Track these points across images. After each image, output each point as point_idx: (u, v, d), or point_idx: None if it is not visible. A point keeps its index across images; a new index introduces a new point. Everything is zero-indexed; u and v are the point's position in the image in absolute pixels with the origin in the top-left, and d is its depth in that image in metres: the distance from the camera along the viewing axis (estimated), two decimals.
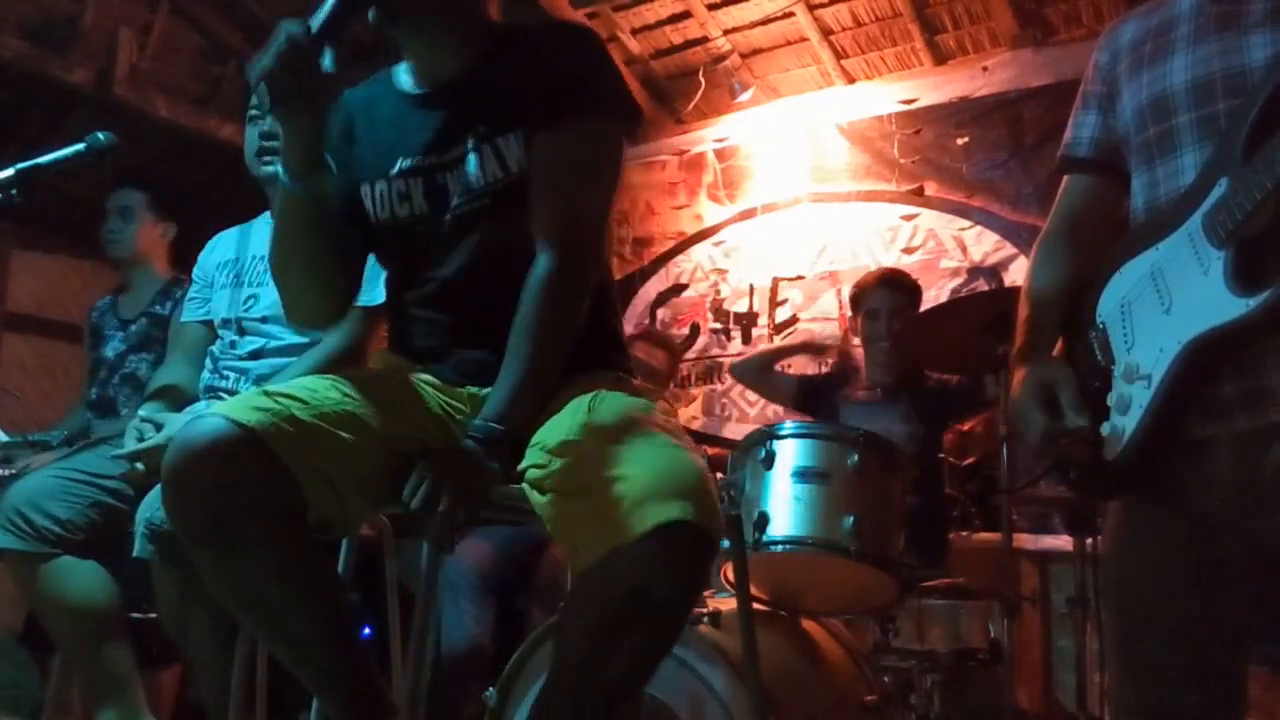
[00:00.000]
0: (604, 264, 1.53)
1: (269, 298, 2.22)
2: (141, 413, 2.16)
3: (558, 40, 1.52)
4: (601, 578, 1.20)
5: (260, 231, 2.36)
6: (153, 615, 2.27)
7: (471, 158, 1.47)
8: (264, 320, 2.21)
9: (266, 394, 1.31)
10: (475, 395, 1.47)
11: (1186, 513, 1.25)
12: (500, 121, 1.46)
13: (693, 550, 1.19)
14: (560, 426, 1.33)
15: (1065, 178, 1.48)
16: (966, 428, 3.25)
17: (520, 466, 1.34)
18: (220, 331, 2.29)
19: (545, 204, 1.43)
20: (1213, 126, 1.23)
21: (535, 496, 1.31)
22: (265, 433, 1.24)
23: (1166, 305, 1.24)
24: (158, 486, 1.96)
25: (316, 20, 1.29)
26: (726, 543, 1.71)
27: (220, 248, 2.41)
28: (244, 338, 2.23)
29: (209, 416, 1.25)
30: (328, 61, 1.30)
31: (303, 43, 1.27)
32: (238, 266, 2.32)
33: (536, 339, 1.38)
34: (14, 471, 2.53)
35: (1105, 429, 1.30)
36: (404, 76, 1.56)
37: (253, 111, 2.28)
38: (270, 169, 2.24)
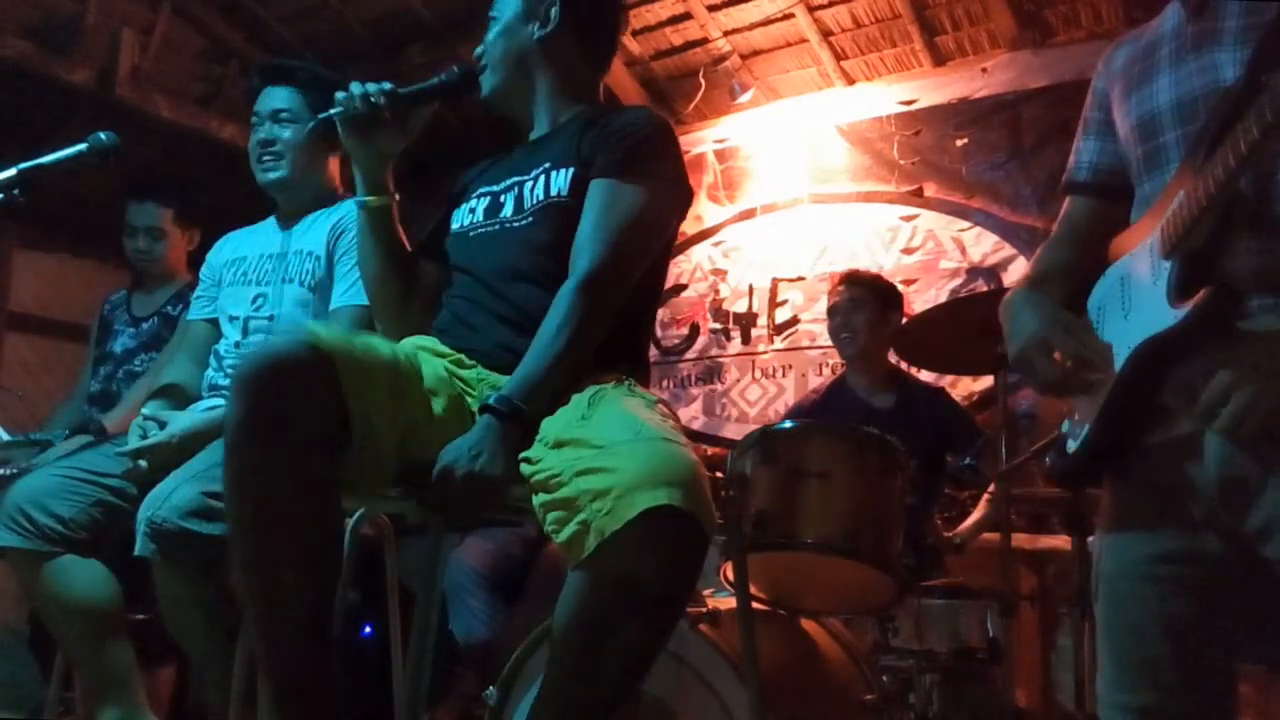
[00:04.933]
0: (637, 279, 1.65)
1: (276, 297, 2.24)
2: (145, 410, 2.17)
3: (636, 113, 1.72)
4: (591, 572, 1.22)
5: (268, 232, 2.37)
6: (142, 616, 2.28)
7: (528, 184, 1.71)
8: (271, 319, 2.23)
9: (334, 329, 1.43)
10: (484, 380, 1.57)
11: (1173, 513, 1.26)
12: (560, 160, 1.69)
13: (682, 537, 1.21)
14: (559, 421, 1.36)
15: (1067, 199, 1.51)
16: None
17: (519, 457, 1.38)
18: (226, 329, 2.30)
19: (590, 223, 1.58)
20: (1200, 137, 1.25)
21: (531, 494, 1.32)
22: (337, 355, 1.32)
23: (1126, 311, 1.29)
24: (159, 484, 1.98)
25: (406, 88, 1.71)
26: (723, 538, 1.74)
27: (229, 247, 2.43)
28: (249, 337, 2.24)
29: (286, 333, 1.38)
30: (413, 122, 1.72)
31: (376, 101, 1.66)
32: (246, 265, 2.33)
33: (560, 339, 1.48)
34: (16, 471, 2.53)
35: (1064, 426, 1.36)
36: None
37: (254, 119, 2.33)
38: (272, 174, 2.29)
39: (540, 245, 1.64)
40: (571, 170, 1.65)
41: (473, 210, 1.77)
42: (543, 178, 1.69)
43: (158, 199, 2.96)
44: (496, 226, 1.71)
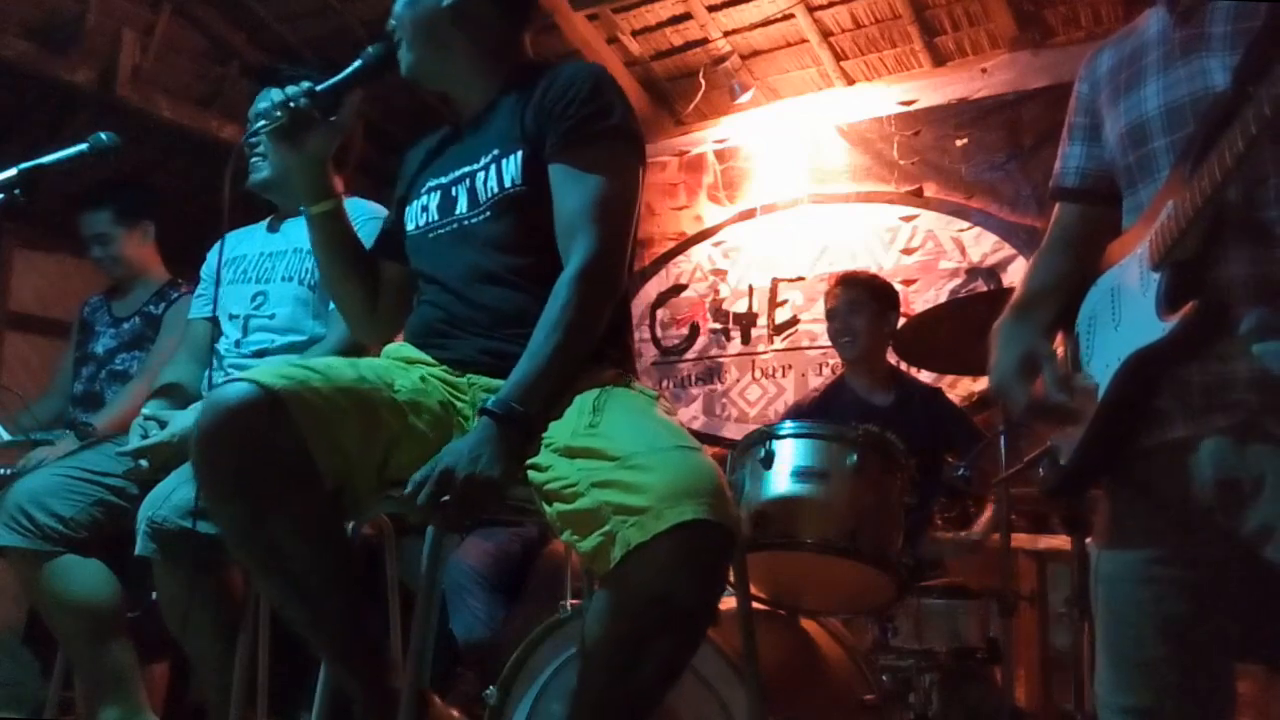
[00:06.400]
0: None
1: (276, 296, 2.24)
2: (146, 410, 2.18)
3: (567, 74, 1.60)
4: (622, 587, 1.22)
5: (263, 230, 2.37)
6: (133, 614, 2.28)
7: (479, 175, 1.61)
8: (271, 318, 2.23)
9: (289, 365, 1.40)
10: (475, 384, 1.53)
11: (1170, 515, 1.27)
12: (507, 143, 1.59)
13: (712, 551, 1.21)
14: (567, 427, 1.36)
15: (1057, 204, 1.51)
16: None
17: (526, 462, 1.38)
18: (226, 327, 2.30)
19: (572, 212, 1.51)
20: (1189, 146, 1.25)
21: (544, 503, 1.32)
22: (287, 396, 1.31)
23: (1117, 322, 1.29)
24: (160, 484, 1.99)
25: (324, 83, 1.62)
26: None
27: (229, 245, 2.42)
28: (249, 335, 2.24)
29: (237, 380, 1.34)
30: (341, 115, 1.64)
31: (298, 104, 1.59)
32: (245, 263, 2.34)
33: (561, 330, 1.44)
34: (15, 470, 2.54)
35: (1052, 437, 1.37)
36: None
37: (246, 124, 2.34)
38: (255, 175, 2.31)
39: (502, 242, 1.57)
40: (520, 153, 1.57)
41: (425, 209, 1.67)
42: (493, 166, 1.60)
43: (93, 205, 2.97)
44: (454, 226, 1.63)
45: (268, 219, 2.41)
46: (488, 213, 1.59)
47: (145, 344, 2.85)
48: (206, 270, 2.45)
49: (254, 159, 2.31)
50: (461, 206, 1.63)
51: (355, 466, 1.38)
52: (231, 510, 1.35)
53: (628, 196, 1.57)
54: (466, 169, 1.63)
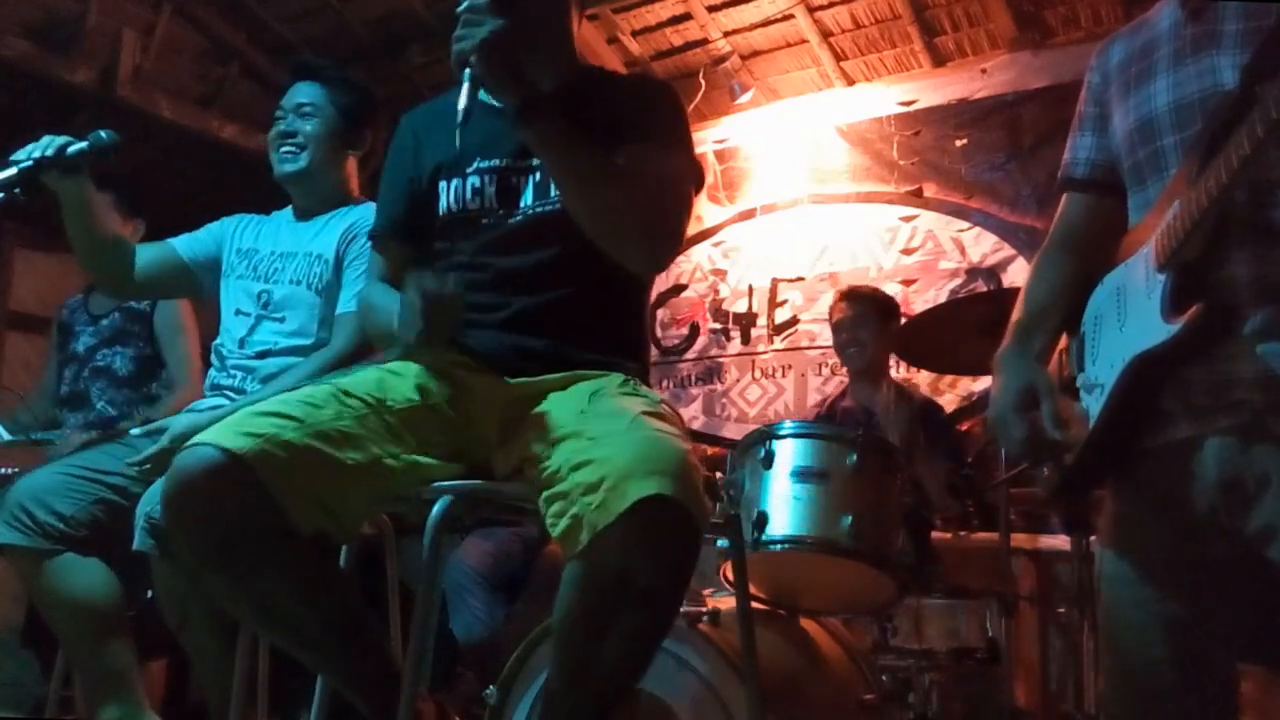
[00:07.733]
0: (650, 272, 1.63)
1: (285, 297, 2.23)
2: (135, 431, 2.20)
3: (648, 88, 1.65)
4: (587, 566, 1.21)
5: (282, 228, 2.35)
6: (130, 614, 2.28)
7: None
8: (282, 320, 2.22)
9: (260, 414, 1.35)
10: (493, 383, 1.51)
11: (1173, 515, 1.27)
12: (590, 136, 1.52)
13: (673, 528, 1.19)
14: (561, 420, 1.36)
15: (1064, 195, 1.50)
16: (964, 428, 3.27)
17: (522, 455, 1.39)
18: (231, 323, 2.28)
19: (644, 178, 1.50)
20: (1196, 146, 1.26)
21: (537, 494, 1.33)
22: (253, 459, 1.28)
23: (1122, 321, 1.30)
24: (159, 480, 1.98)
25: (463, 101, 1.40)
26: (725, 542, 1.73)
27: (244, 234, 2.37)
28: (254, 334, 2.23)
29: (200, 445, 1.30)
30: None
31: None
32: (256, 259, 2.31)
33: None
34: (16, 470, 2.54)
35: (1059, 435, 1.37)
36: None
37: (277, 114, 2.30)
38: (290, 166, 2.26)
39: (571, 237, 1.49)
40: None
41: (479, 191, 1.57)
42: None
43: (97, 189, 2.94)
44: (519, 216, 1.55)
45: (288, 209, 2.39)
46: (559, 204, 1.52)
47: (128, 339, 2.83)
48: (217, 229, 2.38)
49: (286, 148, 2.26)
50: (527, 196, 1.56)
51: (339, 508, 1.35)
52: (216, 576, 1.34)
53: (687, 185, 1.59)
54: (531, 158, 1.54)
